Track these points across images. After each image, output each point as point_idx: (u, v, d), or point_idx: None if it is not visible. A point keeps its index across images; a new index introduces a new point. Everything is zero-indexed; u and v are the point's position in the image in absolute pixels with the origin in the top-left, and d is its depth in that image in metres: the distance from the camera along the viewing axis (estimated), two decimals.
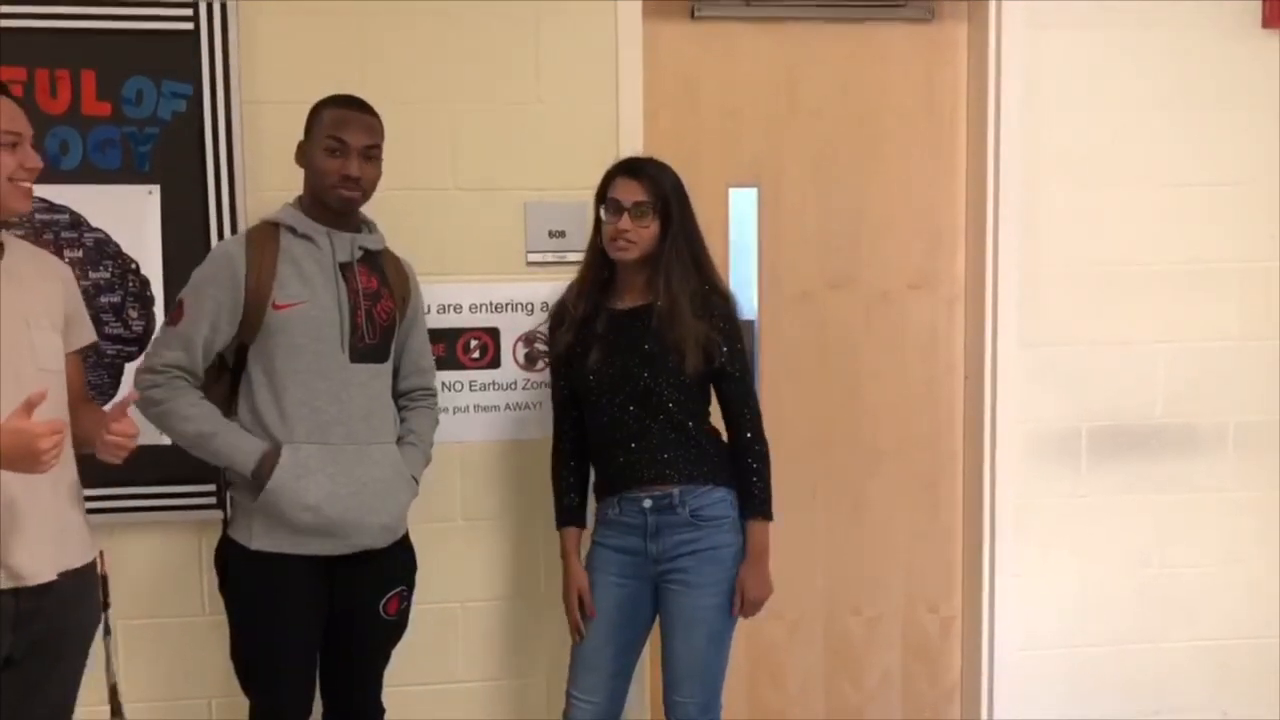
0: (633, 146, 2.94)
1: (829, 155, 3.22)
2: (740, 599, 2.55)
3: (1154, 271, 3.24)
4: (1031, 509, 3.23)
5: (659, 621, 2.62)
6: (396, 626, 2.57)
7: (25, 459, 1.92)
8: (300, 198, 2.49)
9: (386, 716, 2.64)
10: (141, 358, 2.49)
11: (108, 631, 2.32)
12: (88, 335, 2.35)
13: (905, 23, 3.23)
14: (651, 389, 2.53)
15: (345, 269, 2.44)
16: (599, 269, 2.63)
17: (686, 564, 2.53)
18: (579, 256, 2.82)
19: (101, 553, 2.28)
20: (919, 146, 3.26)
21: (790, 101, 3.20)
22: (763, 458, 2.60)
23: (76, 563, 2.19)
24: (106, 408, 2.20)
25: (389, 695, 2.64)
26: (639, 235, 2.52)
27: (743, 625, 2.65)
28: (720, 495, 2.57)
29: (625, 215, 2.52)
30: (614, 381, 2.55)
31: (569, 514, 2.68)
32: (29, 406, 1.92)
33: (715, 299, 2.58)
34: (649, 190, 2.53)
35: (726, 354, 2.56)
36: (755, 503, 2.58)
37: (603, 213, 2.57)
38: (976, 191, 3.23)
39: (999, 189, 3.16)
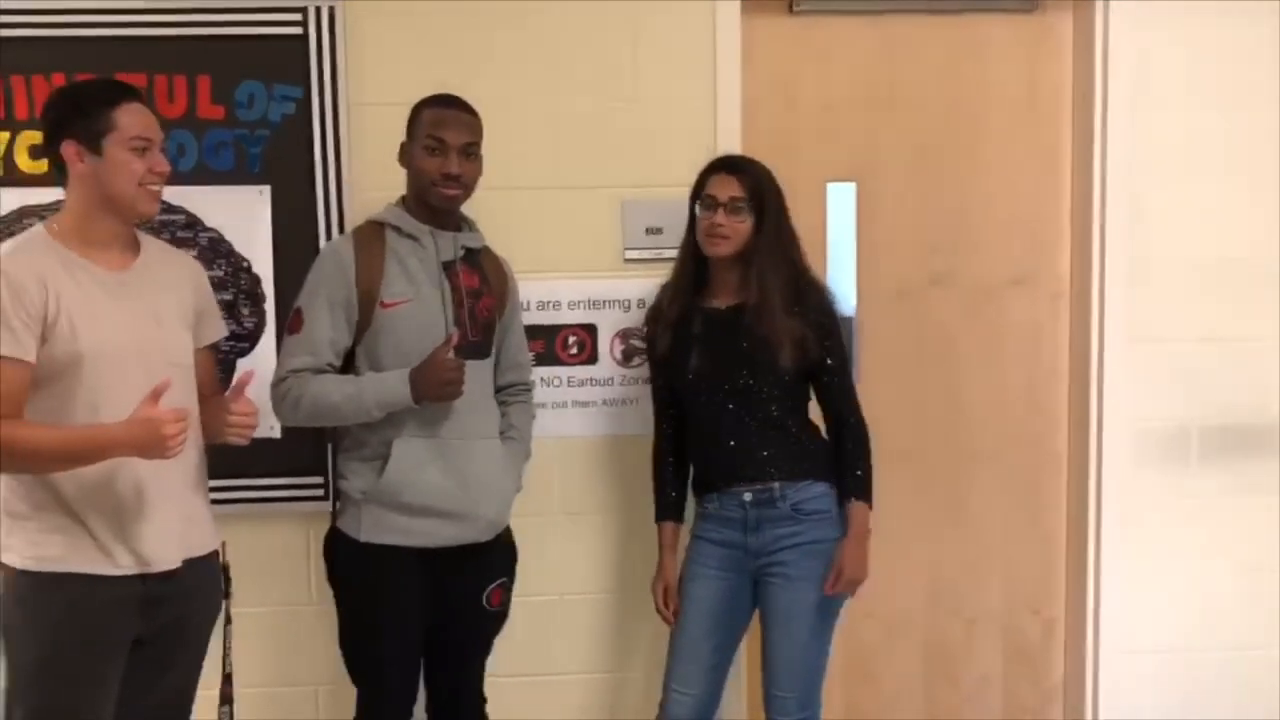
0: (730, 142, 2.94)
1: (929, 149, 3.18)
2: (836, 576, 2.53)
3: (1267, 266, 3.13)
4: (1138, 510, 3.15)
5: (759, 617, 2.62)
6: (498, 617, 2.61)
7: (152, 445, 2.02)
8: (403, 198, 2.55)
9: (487, 706, 2.69)
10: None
11: (228, 620, 2.40)
12: (218, 331, 2.43)
13: (1007, 13, 3.17)
14: (750, 387, 2.54)
15: (448, 267, 2.49)
16: (692, 267, 2.64)
17: (787, 557, 2.54)
18: (676, 253, 2.83)
19: (224, 543, 2.36)
20: (1021, 139, 3.20)
21: (889, 95, 3.16)
22: (866, 442, 2.61)
23: (201, 551, 2.28)
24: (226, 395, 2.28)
25: (489, 685, 2.69)
26: (733, 230, 2.53)
27: (839, 626, 2.64)
28: (821, 490, 2.57)
29: (720, 210, 2.53)
30: (712, 380, 2.56)
31: (667, 509, 2.71)
32: (155, 395, 2.02)
33: (810, 293, 2.58)
34: (745, 187, 2.54)
35: (825, 346, 2.56)
36: (858, 485, 2.58)
37: (698, 208, 2.58)
38: (1081, 185, 3.16)
39: (1105, 182, 3.09)
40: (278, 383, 2.47)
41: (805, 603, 2.54)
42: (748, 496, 2.55)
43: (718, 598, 2.60)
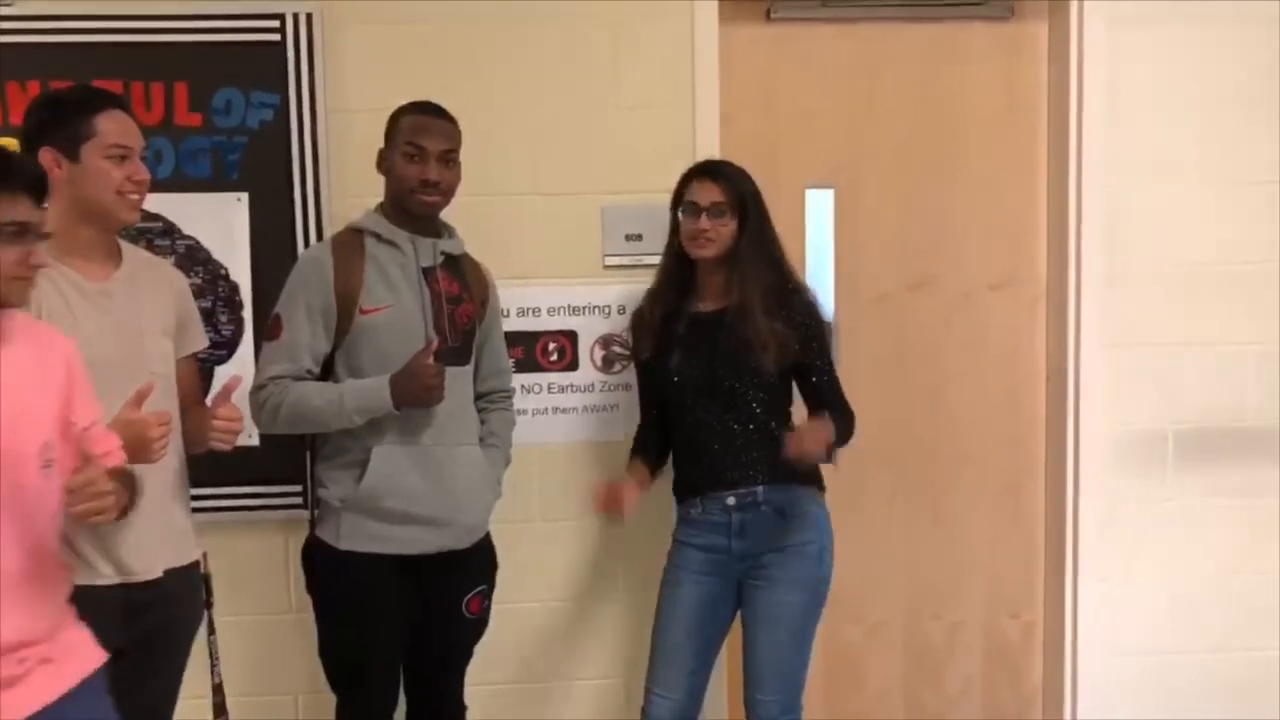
0: (709, 149, 2.95)
1: (907, 155, 3.20)
2: (796, 441, 2.42)
3: (1242, 270, 3.16)
4: (1116, 513, 3.18)
5: (741, 620, 2.63)
6: (478, 625, 2.60)
7: (137, 448, 1.98)
8: (382, 204, 2.54)
9: (468, 713, 2.68)
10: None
11: (212, 631, 2.39)
12: (199, 341, 2.42)
13: (984, 21, 3.19)
14: (735, 389, 2.55)
15: (428, 273, 2.48)
16: (677, 272, 2.66)
17: (771, 560, 2.55)
18: (656, 259, 2.83)
19: (204, 553, 2.35)
20: (999, 145, 3.22)
21: (868, 102, 3.18)
22: (853, 421, 2.58)
23: (182, 561, 2.27)
24: (209, 400, 2.28)
25: (470, 693, 2.68)
26: (717, 233, 2.55)
27: (821, 628, 2.64)
28: (804, 493, 2.58)
29: (703, 215, 2.55)
30: (697, 383, 2.57)
31: (641, 452, 2.68)
32: (139, 399, 1.99)
33: (794, 297, 2.59)
34: (725, 191, 2.56)
35: (812, 347, 2.57)
36: (837, 424, 2.50)
37: (680, 214, 2.60)
38: (1058, 190, 3.18)
39: (1081, 187, 3.12)
40: (256, 390, 2.46)
41: (789, 605, 2.55)
42: (731, 500, 2.55)
43: (700, 601, 2.60)
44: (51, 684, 1.80)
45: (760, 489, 2.54)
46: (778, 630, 2.55)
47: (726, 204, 2.55)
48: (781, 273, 2.61)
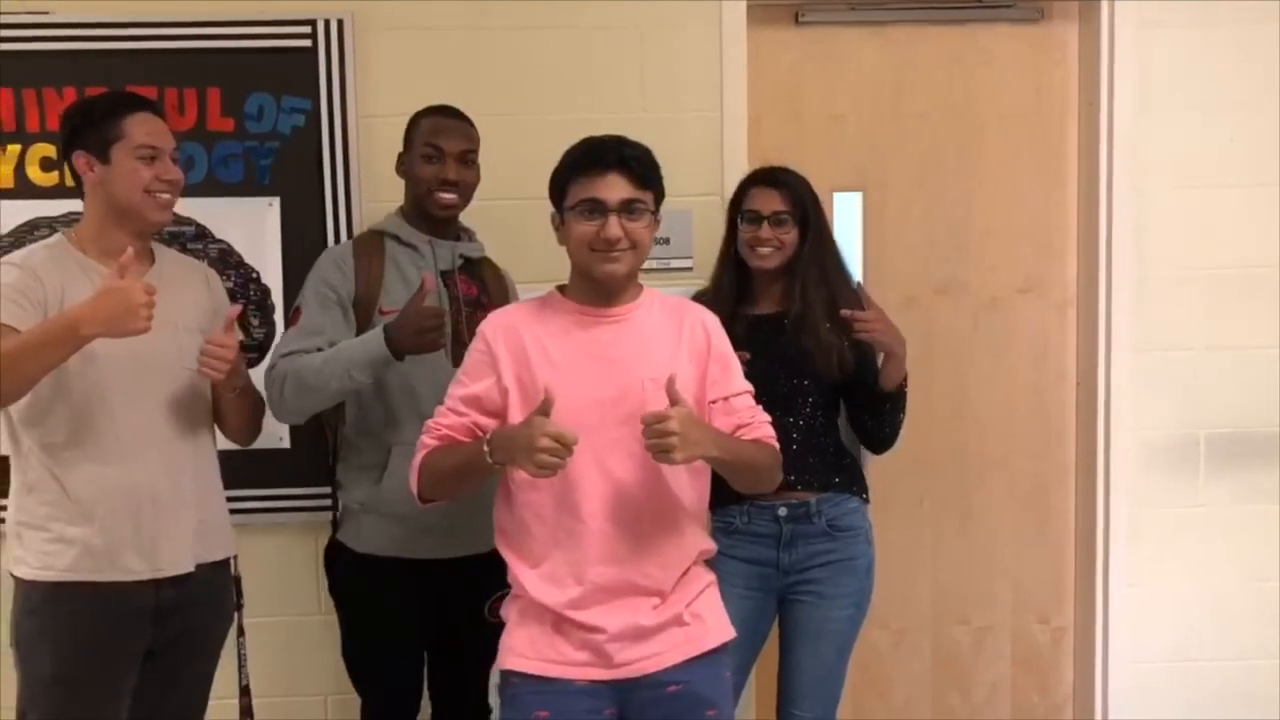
0: (736, 153, 2.96)
1: (935, 159, 3.19)
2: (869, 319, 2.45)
3: (1274, 274, 3.13)
4: (1146, 519, 3.15)
5: (779, 633, 2.57)
6: (500, 629, 2.60)
7: (123, 315, 1.98)
8: (402, 208, 2.56)
9: (493, 716, 2.68)
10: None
11: (241, 633, 2.40)
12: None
13: (1013, 23, 3.18)
14: (793, 392, 2.51)
15: (446, 277, 2.49)
16: (734, 277, 2.61)
17: (819, 575, 2.49)
18: (683, 263, 2.83)
19: (235, 555, 2.37)
20: (1028, 149, 3.20)
21: (895, 105, 3.17)
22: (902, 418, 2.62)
23: (216, 556, 2.29)
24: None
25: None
26: (780, 241, 2.52)
27: None
28: (854, 505, 2.54)
29: (765, 224, 2.52)
30: (756, 384, 2.45)
31: None
32: (122, 269, 2.01)
33: (852, 307, 2.51)
34: (787, 199, 2.53)
35: (876, 363, 2.53)
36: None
37: (740, 222, 2.57)
38: (1088, 194, 3.17)
39: (1111, 191, 3.10)
40: (268, 371, 2.43)
41: (837, 620, 2.50)
42: (782, 511, 2.49)
43: (743, 617, 2.45)
44: (680, 646, 1.96)
45: (813, 499, 2.49)
46: (823, 646, 2.49)
47: (789, 212, 2.51)
48: (841, 282, 2.56)
